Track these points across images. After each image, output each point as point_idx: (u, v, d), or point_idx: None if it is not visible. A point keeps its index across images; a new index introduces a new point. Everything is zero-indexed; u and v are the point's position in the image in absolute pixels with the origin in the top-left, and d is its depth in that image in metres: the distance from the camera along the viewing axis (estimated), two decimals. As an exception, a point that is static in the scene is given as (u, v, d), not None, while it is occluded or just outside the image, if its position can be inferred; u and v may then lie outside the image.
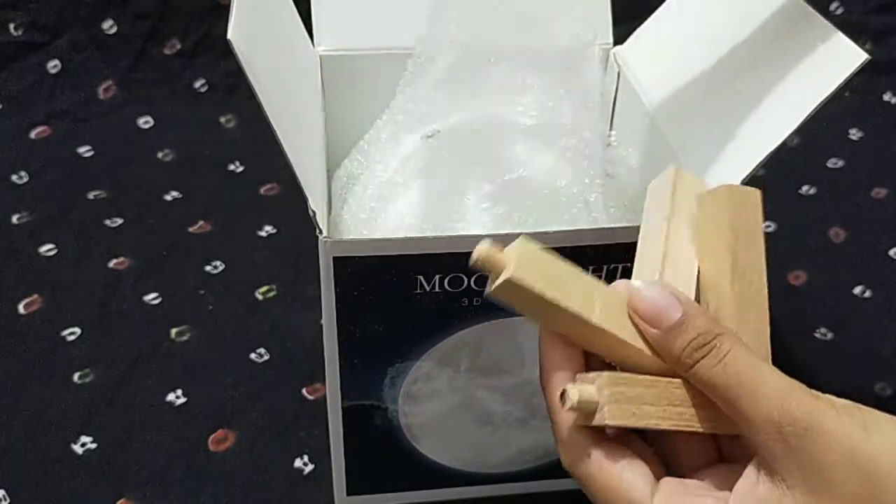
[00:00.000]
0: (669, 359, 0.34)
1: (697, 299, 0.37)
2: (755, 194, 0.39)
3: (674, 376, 0.34)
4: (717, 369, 0.32)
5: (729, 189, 0.38)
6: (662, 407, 0.33)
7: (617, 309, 0.34)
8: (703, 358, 0.33)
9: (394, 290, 0.46)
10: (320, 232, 0.44)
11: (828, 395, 0.33)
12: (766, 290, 0.37)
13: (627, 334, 0.34)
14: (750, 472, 0.33)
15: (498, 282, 0.33)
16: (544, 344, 0.36)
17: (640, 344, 0.34)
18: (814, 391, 0.33)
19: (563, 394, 0.33)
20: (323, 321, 0.48)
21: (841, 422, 0.31)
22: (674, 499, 0.33)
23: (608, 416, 0.32)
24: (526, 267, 0.33)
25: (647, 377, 0.34)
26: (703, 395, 0.34)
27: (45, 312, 0.71)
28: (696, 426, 0.34)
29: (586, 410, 0.33)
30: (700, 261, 0.37)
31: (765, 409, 0.31)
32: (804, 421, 0.31)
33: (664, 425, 0.34)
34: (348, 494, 0.56)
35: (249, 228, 0.79)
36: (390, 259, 0.44)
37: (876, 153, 0.90)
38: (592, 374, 0.34)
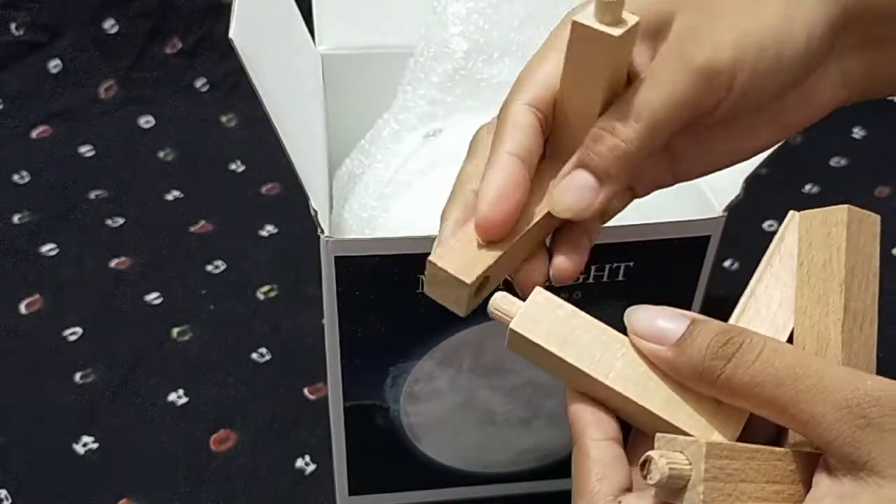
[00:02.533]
0: (692, 378, 0.29)
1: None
2: (874, 221, 0.33)
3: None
4: (757, 366, 0.28)
5: (849, 211, 0.32)
6: (761, 485, 0.28)
7: (642, 368, 0.30)
8: (732, 357, 0.28)
9: (395, 290, 0.46)
10: (322, 231, 0.43)
11: None
12: (875, 339, 0.32)
13: (655, 401, 0.30)
14: (819, 479, 0.28)
15: (508, 333, 0.31)
16: (572, 406, 0.32)
17: (670, 415, 0.30)
18: None
19: (645, 462, 0.27)
20: (325, 321, 0.47)
21: None
22: None
23: (704, 498, 0.26)
24: (533, 319, 0.31)
25: (746, 445, 0.28)
26: (808, 469, 0.29)
27: (47, 312, 0.71)
28: None
29: (672, 486, 0.27)
30: (801, 297, 0.32)
31: (838, 396, 0.27)
32: (890, 399, 0.27)
33: None
34: (350, 494, 0.56)
35: (250, 228, 0.79)
36: (392, 258, 0.44)
37: (879, 152, 0.90)
38: (681, 440, 0.27)
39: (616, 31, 0.30)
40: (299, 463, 0.61)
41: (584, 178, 0.32)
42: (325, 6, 0.61)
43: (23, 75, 0.90)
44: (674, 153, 0.36)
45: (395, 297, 0.46)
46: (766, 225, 0.81)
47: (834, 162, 0.89)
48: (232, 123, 0.91)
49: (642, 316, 0.31)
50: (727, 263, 0.76)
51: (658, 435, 0.28)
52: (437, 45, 0.56)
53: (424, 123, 0.56)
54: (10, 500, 0.58)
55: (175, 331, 0.70)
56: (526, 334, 0.31)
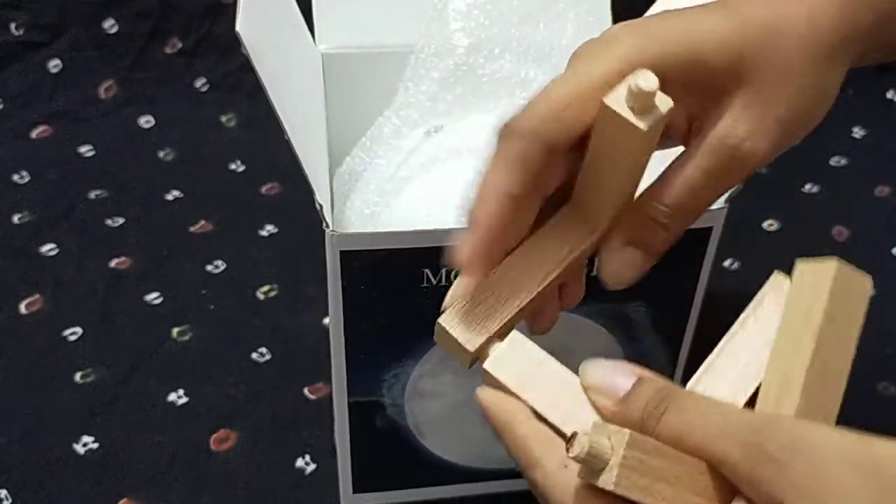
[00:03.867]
0: (633, 430, 0.30)
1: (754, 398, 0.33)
2: (863, 283, 0.35)
3: None
4: (679, 421, 0.29)
5: (839, 267, 0.34)
6: (679, 491, 0.29)
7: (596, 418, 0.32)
8: (662, 416, 0.30)
9: (400, 284, 0.45)
10: (327, 226, 0.43)
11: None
12: (840, 397, 0.32)
13: None
14: None
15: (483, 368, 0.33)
16: (490, 398, 0.34)
17: None
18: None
19: (570, 438, 0.29)
20: (329, 316, 0.47)
21: (832, 432, 0.27)
22: None
23: (615, 481, 0.28)
24: (504, 362, 0.33)
25: (674, 451, 0.29)
26: (730, 490, 0.29)
27: (47, 312, 0.71)
28: None
29: (591, 466, 0.28)
30: (778, 341, 0.33)
31: (741, 437, 0.28)
32: (791, 434, 0.27)
33: None
34: (354, 492, 0.56)
35: (250, 228, 0.79)
36: (397, 252, 0.44)
37: (879, 151, 0.90)
38: (612, 427, 0.29)
39: (642, 124, 0.30)
40: (299, 463, 0.61)
41: (637, 257, 0.35)
42: (325, 5, 0.61)
43: (23, 75, 0.89)
44: None
45: (400, 292, 0.46)
46: (765, 224, 0.81)
47: (834, 162, 0.89)
48: (232, 123, 0.91)
49: (596, 371, 0.32)
50: (727, 263, 0.76)
51: (596, 423, 0.30)
52: (437, 42, 0.56)
53: (426, 120, 0.56)
54: (10, 500, 0.58)
55: (175, 331, 0.70)
56: (496, 375, 0.33)
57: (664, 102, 0.30)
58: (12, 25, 0.89)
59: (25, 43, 0.90)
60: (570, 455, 0.28)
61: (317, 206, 0.43)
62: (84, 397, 0.65)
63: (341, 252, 0.44)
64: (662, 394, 0.30)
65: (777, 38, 0.32)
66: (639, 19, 0.34)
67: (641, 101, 0.30)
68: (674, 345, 0.53)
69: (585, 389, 0.32)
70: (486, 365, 0.33)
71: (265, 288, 0.73)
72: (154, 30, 0.91)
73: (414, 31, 0.58)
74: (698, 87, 0.33)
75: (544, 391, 0.32)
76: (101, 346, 0.68)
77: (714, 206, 0.47)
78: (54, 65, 0.90)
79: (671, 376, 0.55)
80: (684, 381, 0.56)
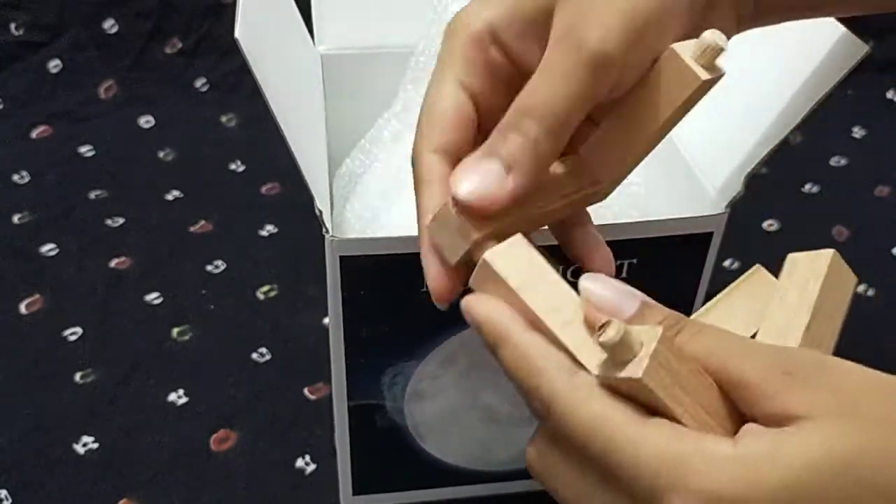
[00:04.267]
0: None
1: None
2: (853, 279, 0.35)
3: None
4: (693, 342, 0.29)
5: (835, 256, 0.34)
6: (694, 402, 0.28)
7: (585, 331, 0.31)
8: (678, 334, 0.29)
9: (400, 289, 0.46)
10: (327, 231, 0.43)
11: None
12: None
13: (587, 356, 0.30)
14: (748, 427, 0.28)
15: (477, 267, 0.32)
16: (481, 309, 0.32)
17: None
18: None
19: (603, 324, 0.28)
20: (329, 320, 0.47)
21: (858, 366, 0.28)
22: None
23: (644, 370, 0.27)
24: (505, 257, 0.32)
25: (696, 366, 0.29)
26: (737, 419, 0.29)
27: (47, 312, 0.71)
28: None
29: (619, 356, 0.28)
30: (776, 309, 0.34)
31: (766, 357, 0.28)
32: (813, 360, 0.27)
33: (684, 419, 0.28)
34: (354, 494, 0.56)
35: (251, 228, 0.79)
36: (397, 257, 0.44)
37: (879, 151, 0.90)
38: (646, 327, 0.28)
39: (706, 74, 0.31)
40: (299, 463, 0.61)
41: (491, 164, 0.32)
42: (325, 6, 0.61)
43: (23, 75, 0.90)
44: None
45: (399, 297, 0.46)
46: (765, 225, 0.81)
47: (834, 162, 0.89)
48: (232, 123, 0.91)
49: (598, 286, 0.31)
50: (727, 263, 0.76)
51: (630, 316, 0.30)
52: (437, 44, 0.56)
53: (426, 122, 0.56)
54: (10, 501, 0.58)
55: (175, 331, 0.70)
56: (495, 268, 0.31)
57: (722, 69, 0.32)
58: (12, 25, 0.89)
59: (25, 43, 0.90)
60: (601, 340, 0.27)
61: (316, 211, 0.43)
62: (84, 397, 0.65)
63: (341, 257, 0.44)
64: (672, 320, 0.29)
65: None
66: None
67: (709, 56, 0.31)
68: (673, 346, 0.53)
69: (586, 306, 0.31)
70: (487, 255, 0.31)
71: (265, 288, 0.73)
72: (154, 30, 0.91)
73: (413, 33, 0.58)
74: (535, 31, 0.33)
75: (544, 295, 0.31)
76: (101, 346, 0.68)
77: (715, 212, 0.47)
78: (54, 65, 0.90)
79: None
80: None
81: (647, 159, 0.42)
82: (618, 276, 0.47)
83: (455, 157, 0.34)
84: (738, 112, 0.50)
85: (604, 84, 0.32)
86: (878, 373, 0.27)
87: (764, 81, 0.48)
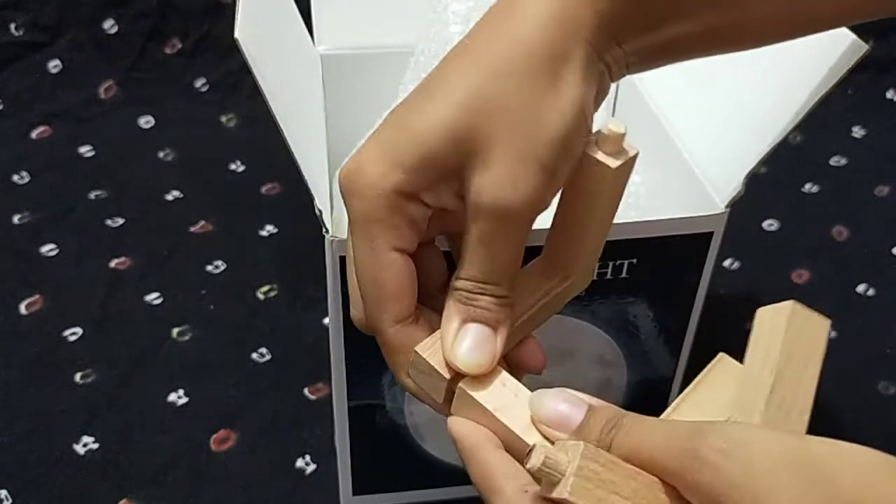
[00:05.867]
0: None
1: None
2: (823, 324, 0.36)
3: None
4: (626, 442, 0.30)
5: (793, 307, 0.35)
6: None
7: None
8: (614, 438, 0.30)
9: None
10: (327, 231, 0.43)
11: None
12: (804, 431, 0.33)
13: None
14: None
15: (456, 396, 0.34)
16: (458, 427, 0.34)
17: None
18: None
19: (529, 450, 0.29)
20: (329, 320, 0.47)
21: (768, 433, 0.27)
22: None
23: (570, 490, 0.28)
24: (480, 383, 0.34)
25: (631, 467, 0.30)
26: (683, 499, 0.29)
27: (47, 313, 0.71)
28: None
29: (548, 479, 0.29)
30: (742, 380, 0.35)
31: (680, 444, 0.28)
32: (725, 436, 0.27)
33: None
34: (354, 494, 0.56)
35: (250, 228, 0.79)
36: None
37: (879, 151, 0.90)
38: (569, 443, 0.30)
39: (613, 162, 0.34)
40: (299, 463, 0.61)
41: (481, 331, 0.34)
42: (324, 6, 0.61)
43: (23, 75, 0.89)
44: None
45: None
46: (765, 224, 0.81)
47: (834, 161, 0.89)
48: (232, 123, 0.91)
49: (546, 402, 0.32)
50: (727, 263, 0.76)
51: (559, 443, 0.31)
52: (437, 44, 0.56)
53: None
54: (10, 501, 0.58)
55: (175, 331, 0.70)
56: (473, 393, 0.33)
57: (632, 147, 0.34)
58: (12, 25, 0.89)
59: (25, 43, 0.90)
60: (527, 466, 0.29)
61: (316, 211, 0.43)
62: (84, 397, 0.65)
63: (341, 257, 0.44)
64: (613, 421, 0.30)
65: (486, 102, 0.32)
66: (380, 128, 0.34)
67: (612, 144, 0.34)
68: (674, 345, 0.53)
69: (537, 423, 0.32)
70: (463, 383, 0.34)
71: (265, 288, 0.73)
72: (154, 30, 0.91)
73: (413, 32, 0.58)
74: (445, 172, 0.33)
75: (520, 415, 0.33)
76: (101, 346, 0.68)
77: (715, 211, 0.47)
78: (54, 65, 0.90)
79: (671, 376, 0.55)
80: (685, 381, 0.56)
81: (647, 159, 0.42)
82: (618, 275, 0.47)
83: (414, 317, 0.35)
84: (738, 112, 0.50)
85: (540, 211, 0.34)
86: (789, 443, 0.27)
87: (764, 81, 0.48)
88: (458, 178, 0.33)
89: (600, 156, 0.34)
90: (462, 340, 0.34)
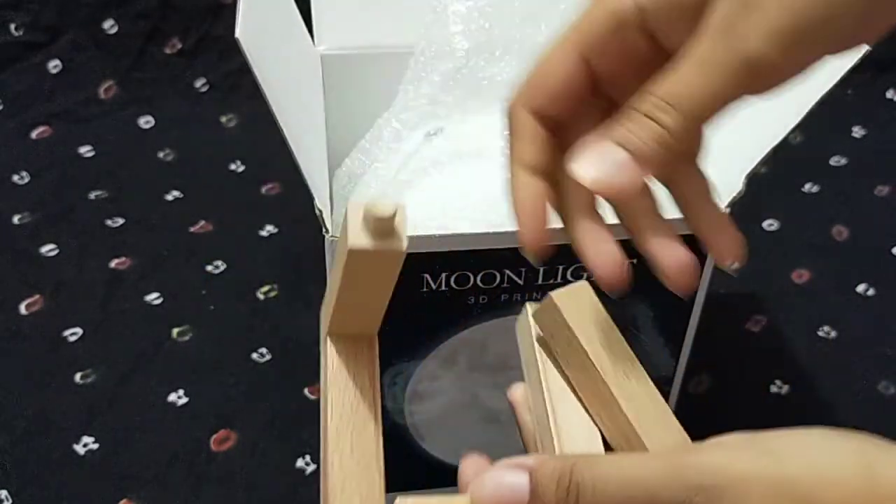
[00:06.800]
0: None
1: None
2: (584, 289, 0.36)
3: None
4: (598, 502, 0.28)
5: (554, 296, 0.35)
6: None
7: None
8: (577, 501, 0.28)
9: (400, 289, 0.45)
10: (327, 231, 0.43)
11: (711, 440, 0.29)
12: (652, 386, 0.34)
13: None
14: None
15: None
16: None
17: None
18: (693, 444, 0.30)
19: None
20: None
21: (746, 462, 0.27)
22: None
23: None
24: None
25: None
26: None
27: (47, 313, 0.71)
28: None
29: None
30: (570, 377, 0.35)
31: (666, 495, 0.27)
32: (711, 482, 0.26)
33: None
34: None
35: (250, 228, 0.79)
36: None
37: (879, 151, 0.90)
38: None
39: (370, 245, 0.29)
40: (299, 463, 0.61)
41: (621, 156, 0.30)
42: (324, 6, 0.61)
43: (23, 75, 0.89)
44: None
45: (400, 297, 0.46)
46: (765, 224, 0.81)
47: (834, 161, 0.89)
48: (232, 123, 0.91)
49: (487, 484, 0.30)
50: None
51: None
52: (438, 44, 0.56)
53: (426, 122, 0.56)
54: (10, 501, 0.58)
55: (175, 331, 0.70)
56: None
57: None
58: (12, 25, 0.89)
59: (25, 43, 0.90)
60: None
61: (316, 211, 0.43)
62: (84, 397, 0.65)
63: (341, 257, 0.44)
64: (565, 483, 0.29)
65: None
66: None
67: (381, 227, 0.29)
68: (674, 345, 0.53)
69: None
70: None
71: (265, 288, 0.73)
72: (154, 30, 0.91)
73: (413, 32, 0.58)
74: (686, 15, 0.30)
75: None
76: (101, 346, 0.68)
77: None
78: (54, 65, 0.90)
79: (671, 376, 0.55)
80: (685, 381, 0.56)
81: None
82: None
83: (551, 122, 0.33)
84: (738, 112, 0.50)
85: (756, 87, 0.30)
86: (775, 473, 0.26)
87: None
88: (699, 11, 0.29)
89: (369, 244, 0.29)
90: (595, 155, 0.30)
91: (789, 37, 0.29)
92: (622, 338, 0.34)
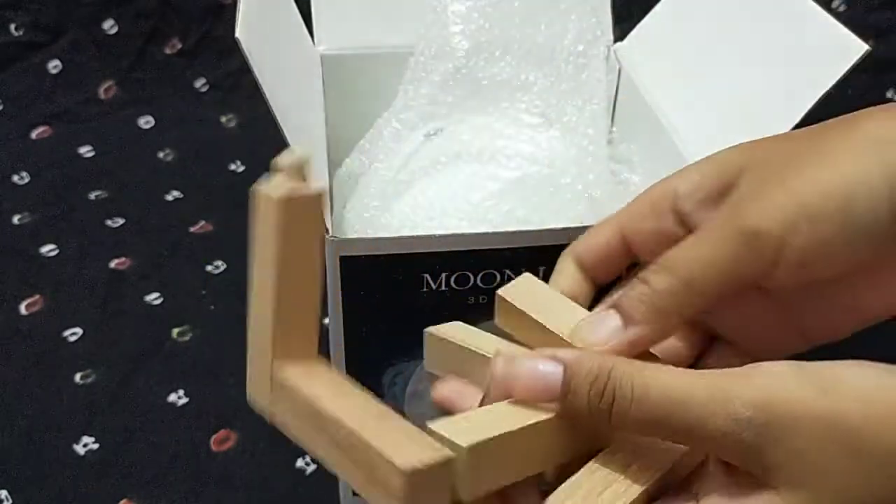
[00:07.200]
0: (590, 423, 0.29)
1: None
2: (528, 278, 0.36)
3: None
4: (634, 412, 0.28)
5: (503, 291, 0.35)
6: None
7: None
8: (612, 409, 0.28)
9: (400, 289, 0.46)
10: (327, 231, 0.43)
11: (759, 366, 0.28)
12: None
13: None
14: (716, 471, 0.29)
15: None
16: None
17: None
18: (738, 369, 0.28)
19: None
20: (328, 321, 0.47)
21: (796, 396, 0.27)
22: None
23: None
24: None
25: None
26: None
27: (47, 313, 0.71)
28: None
29: None
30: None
31: (711, 424, 0.27)
32: (761, 418, 0.26)
33: None
34: (354, 494, 0.56)
35: (251, 228, 0.79)
36: (397, 258, 0.44)
37: (878, 151, 0.90)
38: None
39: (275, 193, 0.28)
40: (299, 463, 0.61)
41: (609, 318, 0.31)
42: (324, 6, 0.61)
43: (23, 75, 0.90)
44: (792, 311, 0.34)
45: (399, 297, 0.46)
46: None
47: (834, 161, 0.89)
48: (232, 123, 0.91)
49: (521, 370, 0.29)
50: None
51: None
52: (437, 45, 0.56)
53: (426, 122, 0.56)
54: (10, 501, 0.58)
55: (175, 331, 0.70)
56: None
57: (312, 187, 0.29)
58: (12, 26, 0.89)
59: (25, 43, 0.90)
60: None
61: (317, 210, 0.43)
62: (84, 397, 0.65)
63: (341, 257, 0.44)
64: (600, 384, 0.28)
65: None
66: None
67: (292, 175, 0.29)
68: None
69: (518, 397, 0.29)
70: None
71: (265, 288, 0.73)
72: (154, 30, 0.91)
73: (413, 33, 0.58)
74: (714, 201, 0.34)
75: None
76: (102, 347, 0.68)
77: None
78: (54, 65, 0.90)
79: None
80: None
81: (647, 159, 0.43)
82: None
83: (590, 272, 0.36)
84: (738, 112, 0.50)
85: (754, 261, 0.30)
86: (827, 412, 0.27)
87: (764, 81, 0.48)
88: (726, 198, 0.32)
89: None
90: (591, 319, 0.32)
91: (791, 215, 0.30)
92: (577, 305, 0.34)
